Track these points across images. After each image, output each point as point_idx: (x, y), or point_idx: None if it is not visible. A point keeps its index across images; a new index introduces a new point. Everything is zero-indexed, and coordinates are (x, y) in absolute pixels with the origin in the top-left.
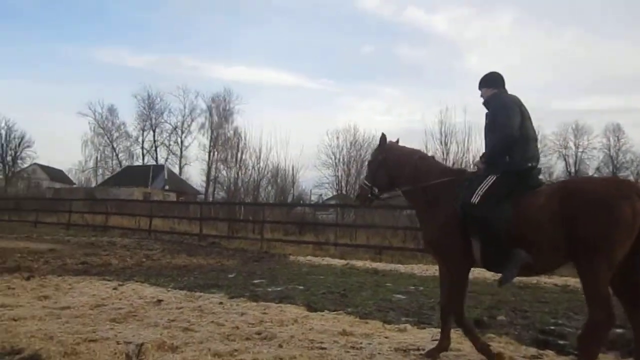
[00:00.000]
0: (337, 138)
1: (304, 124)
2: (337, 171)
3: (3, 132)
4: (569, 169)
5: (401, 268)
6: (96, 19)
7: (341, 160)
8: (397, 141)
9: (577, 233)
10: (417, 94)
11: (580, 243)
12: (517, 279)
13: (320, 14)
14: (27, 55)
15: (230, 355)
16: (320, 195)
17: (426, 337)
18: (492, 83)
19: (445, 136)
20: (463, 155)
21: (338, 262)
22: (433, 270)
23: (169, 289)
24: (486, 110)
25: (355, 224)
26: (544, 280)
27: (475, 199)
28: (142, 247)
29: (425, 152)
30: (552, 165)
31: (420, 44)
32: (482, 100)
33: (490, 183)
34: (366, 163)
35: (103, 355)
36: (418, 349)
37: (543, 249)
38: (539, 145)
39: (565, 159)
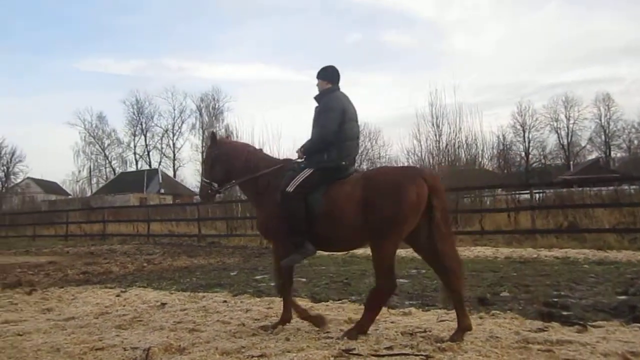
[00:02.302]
0: None
1: (294, 117)
2: None
3: None
4: (561, 142)
5: (401, 252)
6: (77, 28)
7: None
8: (228, 137)
9: (373, 212)
10: (406, 79)
11: (375, 221)
12: (518, 255)
13: (302, 6)
14: (10, 69)
15: (238, 352)
16: None
17: (431, 319)
18: (329, 76)
19: (437, 118)
20: (455, 135)
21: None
22: None
23: (172, 291)
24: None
25: None
26: (545, 254)
27: (290, 188)
28: (142, 252)
29: (257, 146)
30: (545, 139)
31: (404, 29)
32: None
33: (305, 175)
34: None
35: None
36: (424, 331)
37: (349, 228)
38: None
39: (557, 132)
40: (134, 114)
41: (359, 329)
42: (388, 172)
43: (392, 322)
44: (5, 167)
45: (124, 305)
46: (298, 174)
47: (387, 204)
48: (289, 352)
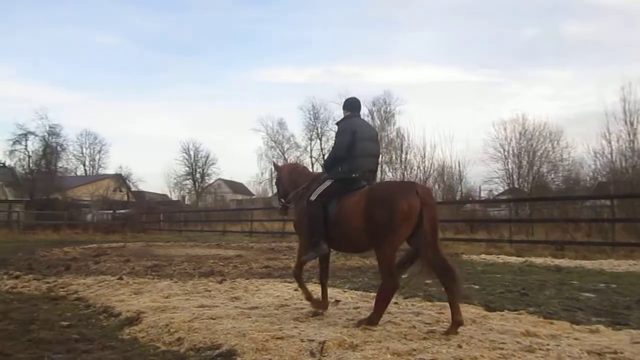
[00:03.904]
0: (505, 129)
1: (468, 119)
2: (507, 164)
3: (192, 152)
4: None
5: (587, 264)
6: (259, 42)
7: (510, 152)
8: (287, 161)
9: (373, 221)
10: (590, 73)
11: (375, 228)
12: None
13: (472, 3)
14: (204, 82)
15: (408, 354)
16: (491, 190)
17: (623, 339)
18: (348, 106)
19: (630, 115)
20: None
21: (515, 259)
22: (626, 265)
23: (345, 289)
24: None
25: (531, 219)
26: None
27: (313, 197)
28: None
29: (301, 164)
30: None
31: (588, 18)
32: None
33: (326, 186)
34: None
35: (289, 352)
36: (615, 353)
37: (355, 234)
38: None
39: None
40: (310, 119)
41: (370, 322)
42: (387, 186)
43: (575, 339)
44: (201, 169)
45: (301, 300)
46: (321, 184)
47: (382, 213)
48: (461, 359)
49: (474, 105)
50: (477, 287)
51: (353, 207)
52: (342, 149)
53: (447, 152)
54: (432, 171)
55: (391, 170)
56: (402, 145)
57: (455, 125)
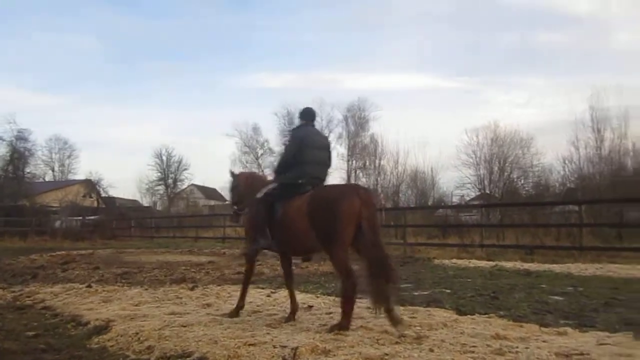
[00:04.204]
0: (477, 136)
1: (441, 125)
2: (479, 170)
3: (164, 157)
4: None
5: (556, 268)
6: (234, 47)
7: (482, 158)
8: (261, 166)
9: (316, 224)
10: (560, 81)
11: (320, 231)
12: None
13: (449, 10)
14: (177, 86)
15: (380, 358)
16: (462, 196)
17: (590, 340)
18: (303, 116)
19: (598, 123)
20: (621, 141)
21: (485, 263)
22: (593, 269)
23: (318, 294)
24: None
25: (502, 224)
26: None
27: (259, 195)
28: None
29: (259, 172)
30: None
31: (559, 27)
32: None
33: (271, 188)
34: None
35: (262, 358)
36: (582, 354)
37: (299, 236)
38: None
39: None
40: (284, 124)
41: (341, 327)
42: (328, 190)
43: (544, 341)
44: (173, 174)
45: (274, 306)
46: (267, 186)
47: (325, 216)
48: None
49: (448, 112)
50: (448, 291)
51: (297, 210)
52: (289, 156)
53: (421, 158)
54: (405, 176)
55: (365, 176)
56: (375, 151)
57: (429, 131)
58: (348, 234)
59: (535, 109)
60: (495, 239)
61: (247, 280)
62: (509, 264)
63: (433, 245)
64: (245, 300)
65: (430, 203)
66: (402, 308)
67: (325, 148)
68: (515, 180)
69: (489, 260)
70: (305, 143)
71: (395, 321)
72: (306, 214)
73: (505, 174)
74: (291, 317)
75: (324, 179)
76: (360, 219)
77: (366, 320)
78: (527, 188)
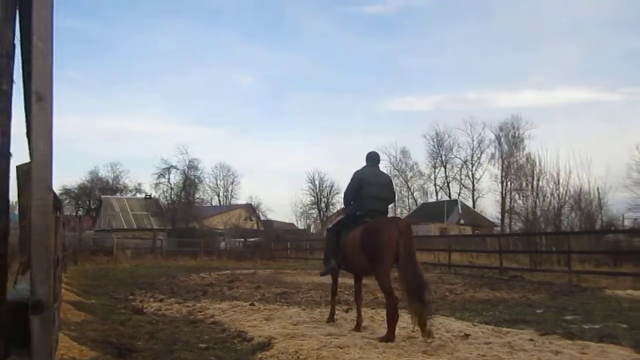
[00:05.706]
0: None
1: (606, 141)
2: None
3: (317, 182)
4: None
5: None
6: (382, 73)
7: None
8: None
9: (365, 250)
10: None
11: (368, 255)
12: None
13: (606, 17)
14: (327, 113)
15: None
16: (636, 219)
17: None
18: (366, 159)
19: None
20: None
21: None
22: None
23: (475, 323)
24: None
25: None
26: None
27: (330, 225)
28: (444, 281)
29: None
30: None
31: None
32: None
33: (339, 219)
34: None
35: None
36: None
37: (355, 259)
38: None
39: None
40: (434, 146)
41: (387, 339)
42: (376, 221)
43: None
44: (325, 199)
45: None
46: (337, 217)
47: (371, 242)
48: None
49: (614, 126)
50: (624, 325)
51: (354, 238)
52: (350, 192)
53: (585, 178)
54: (567, 198)
55: (521, 198)
56: (533, 172)
57: (592, 149)
58: (389, 258)
59: None
60: None
61: (333, 295)
62: None
63: (603, 274)
64: (398, 325)
65: (597, 227)
66: (570, 342)
67: (384, 185)
68: None
69: None
70: (364, 181)
71: (426, 333)
72: (359, 241)
73: (383, 214)
74: (357, 328)
75: (383, 212)
76: (398, 245)
77: (529, 353)
78: None
